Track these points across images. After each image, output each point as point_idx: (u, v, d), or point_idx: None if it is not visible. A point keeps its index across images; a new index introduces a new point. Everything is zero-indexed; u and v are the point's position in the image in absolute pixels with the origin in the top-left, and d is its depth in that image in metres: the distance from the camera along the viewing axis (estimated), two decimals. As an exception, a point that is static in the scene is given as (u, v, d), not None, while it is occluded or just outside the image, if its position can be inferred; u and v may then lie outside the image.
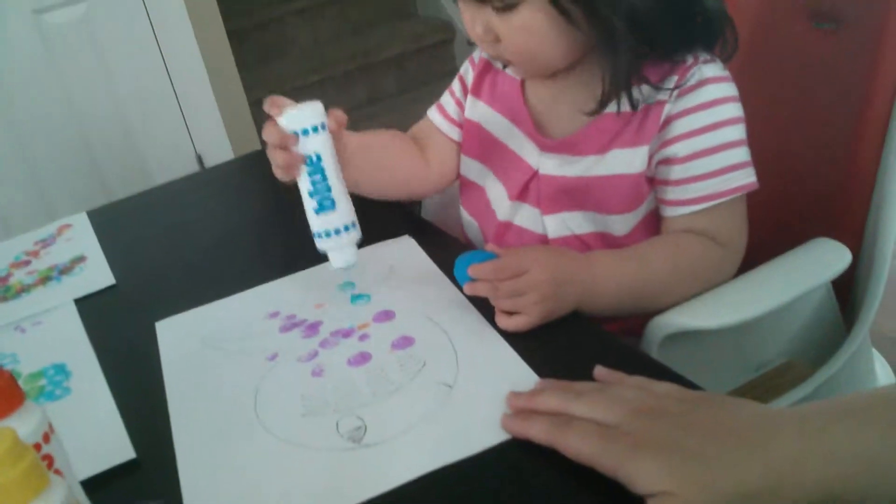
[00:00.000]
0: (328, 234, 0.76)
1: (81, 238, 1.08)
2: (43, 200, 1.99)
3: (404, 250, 0.88)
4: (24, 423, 0.49)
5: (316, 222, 0.76)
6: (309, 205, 0.76)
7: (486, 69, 0.91)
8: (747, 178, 0.76)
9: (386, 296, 0.80)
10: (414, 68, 3.13)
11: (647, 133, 0.76)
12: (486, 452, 0.58)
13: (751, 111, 0.93)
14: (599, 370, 0.62)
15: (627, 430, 0.53)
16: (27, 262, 1.04)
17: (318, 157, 0.74)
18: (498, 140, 0.88)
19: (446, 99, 0.96)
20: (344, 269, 0.78)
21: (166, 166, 2.08)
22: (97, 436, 0.68)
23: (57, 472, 0.52)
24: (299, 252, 0.85)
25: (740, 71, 0.96)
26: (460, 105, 0.94)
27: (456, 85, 0.95)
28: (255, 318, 0.81)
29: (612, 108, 0.77)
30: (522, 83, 0.87)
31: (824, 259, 0.79)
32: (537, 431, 0.57)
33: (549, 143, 0.83)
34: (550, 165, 0.83)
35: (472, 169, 0.93)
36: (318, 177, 0.75)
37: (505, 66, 0.88)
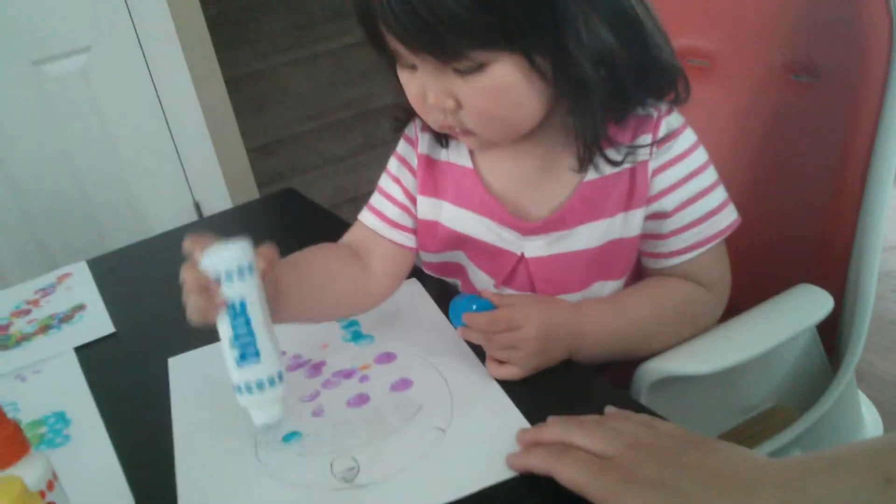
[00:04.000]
0: (250, 390, 0.66)
1: (81, 286, 1.10)
2: (40, 251, 2.00)
3: (410, 293, 0.90)
4: (30, 472, 0.50)
5: (238, 375, 0.66)
6: (229, 354, 0.66)
7: (428, 166, 0.84)
8: (730, 216, 0.77)
9: (389, 337, 0.82)
10: (408, 115, 3.17)
11: (641, 194, 0.76)
12: (474, 496, 0.59)
13: (732, 161, 0.95)
14: (609, 408, 0.65)
15: (620, 462, 0.55)
16: (28, 311, 1.05)
17: (243, 305, 0.65)
18: (466, 236, 0.83)
19: (380, 201, 0.88)
20: (267, 427, 0.69)
21: (164, 215, 2.10)
22: (97, 483, 0.69)
23: (60, 519, 0.53)
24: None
25: (723, 122, 0.99)
26: (405, 209, 0.86)
27: (392, 186, 0.87)
28: None
29: (591, 175, 0.76)
30: (475, 170, 0.81)
31: (807, 305, 0.80)
32: (535, 460, 0.59)
33: (531, 226, 0.79)
34: (537, 247, 0.79)
35: (440, 260, 0.89)
36: (241, 323, 0.65)
37: (446, 143, 0.83)
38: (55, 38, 1.91)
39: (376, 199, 0.88)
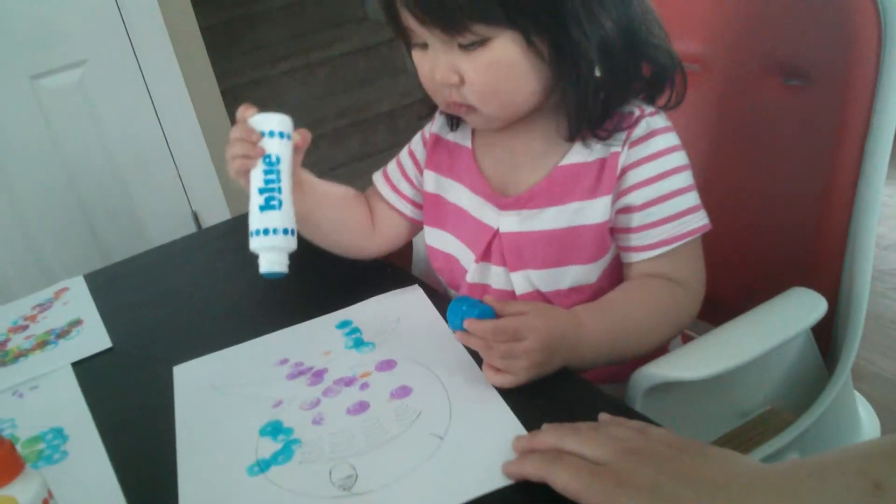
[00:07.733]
0: (266, 232, 0.76)
1: (78, 301, 1.10)
2: (40, 264, 2.00)
3: (412, 300, 0.91)
4: (25, 491, 0.50)
5: (257, 219, 0.77)
6: (255, 201, 0.77)
7: (437, 143, 0.93)
8: (701, 220, 0.79)
9: (390, 345, 0.83)
10: (404, 122, 3.18)
11: (607, 184, 0.79)
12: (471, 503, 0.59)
13: (724, 165, 0.95)
14: (603, 414, 0.65)
15: (614, 468, 0.55)
16: (25, 327, 1.05)
17: (278, 159, 0.77)
18: (457, 206, 0.90)
19: (393, 170, 0.98)
20: (271, 276, 0.77)
21: (163, 226, 2.10)
22: (94, 499, 0.69)
23: (56, 537, 0.53)
24: (302, 308, 0.89)
25: (714, 126, 1.00)
26: (411, 182, 0.96)
27: (406, 160, 0.97)
28: (263, 365, 0.84)
29: (570, 158, 0.80)
30: (473, 151, 0.89)
31: (801, 308, 0.81)
32: (530, 467, 0.59)
33: (506, 201, 0.85)
34: (510, 223, 0.84)
35: (438, 238, 0.94)
36: (272, 176, 0.77)
37: (456, 125, 0.90)
38: (51, 52, 1.91)
39: (390, 165, 0.99)
